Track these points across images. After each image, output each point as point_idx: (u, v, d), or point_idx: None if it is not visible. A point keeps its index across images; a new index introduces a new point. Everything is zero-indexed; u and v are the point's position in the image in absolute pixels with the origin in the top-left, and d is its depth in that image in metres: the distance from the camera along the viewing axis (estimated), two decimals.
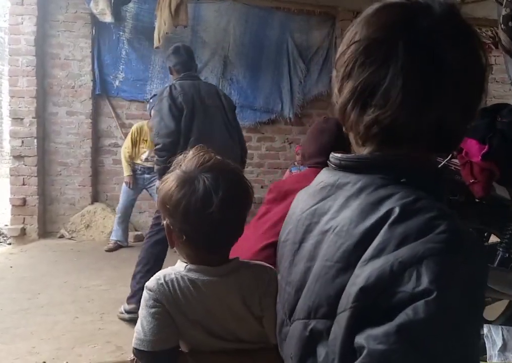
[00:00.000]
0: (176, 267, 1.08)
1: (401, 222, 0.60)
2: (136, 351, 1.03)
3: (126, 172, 4.69)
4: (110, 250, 4.63)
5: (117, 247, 4.70)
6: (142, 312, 1.04)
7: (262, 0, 5.51)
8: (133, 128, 4.73)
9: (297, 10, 5.64)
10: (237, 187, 1.03)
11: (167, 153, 2.78)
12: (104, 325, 2.82)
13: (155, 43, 4.77)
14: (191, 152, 1.07)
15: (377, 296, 0.57)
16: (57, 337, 2.67)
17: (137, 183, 4.71)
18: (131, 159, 4.68)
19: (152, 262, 2.87)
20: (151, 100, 4.28)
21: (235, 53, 5.56)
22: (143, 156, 4.66)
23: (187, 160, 1.05)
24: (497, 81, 5.77)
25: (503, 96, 5.71)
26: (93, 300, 3.26)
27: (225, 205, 0.97)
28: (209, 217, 0.97)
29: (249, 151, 5.61)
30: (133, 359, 1.08)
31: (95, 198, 5.33)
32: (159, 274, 1.08)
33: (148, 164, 4.61)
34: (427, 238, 0.57)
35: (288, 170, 5.19)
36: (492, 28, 3.42)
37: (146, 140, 4.62)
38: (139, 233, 5.15)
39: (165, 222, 1.05)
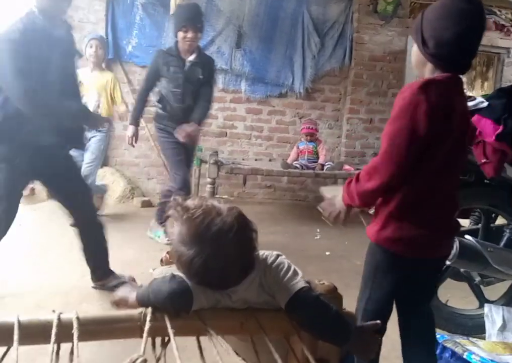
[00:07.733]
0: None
1: None
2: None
3: None
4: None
5: None
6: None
7: None
8: None
9: None
10: (234, 260, 1.06)
11: None
12: None
13: (172, 10, 4.72)
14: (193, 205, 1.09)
15: None
16: (65, 292, 2.69)
17: None
18: None
19: None
20: None
21: (249, 24, 5.48)
22: None
23: (186, 220, 1.06)
24: None
25: None
26: None
27: (224, 281, 1.08)
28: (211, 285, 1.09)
29: (259, 124, 5.63)
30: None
31: (104, 163, 5.32)
32: None
33: None
34: None
35: (295, 146, 5.17)
36: None
37: None
38: (146, 199, 5.20)
39: None
